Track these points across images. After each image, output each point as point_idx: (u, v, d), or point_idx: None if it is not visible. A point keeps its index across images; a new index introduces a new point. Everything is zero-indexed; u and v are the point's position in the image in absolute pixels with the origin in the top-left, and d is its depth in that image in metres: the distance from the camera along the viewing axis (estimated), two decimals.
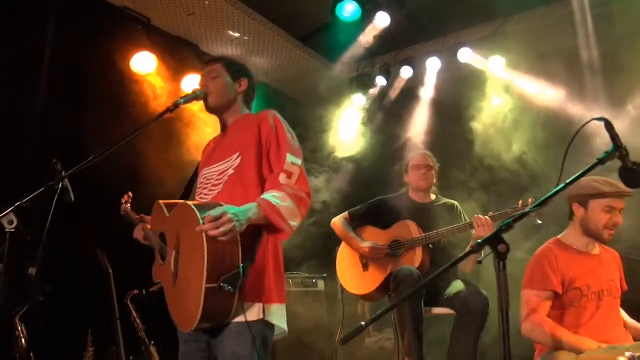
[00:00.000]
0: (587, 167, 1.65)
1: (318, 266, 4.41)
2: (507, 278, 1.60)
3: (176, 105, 2.11)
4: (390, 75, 5.02)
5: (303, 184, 1.97)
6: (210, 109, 2.20)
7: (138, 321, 3.75)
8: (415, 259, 3.12)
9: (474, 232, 3.02)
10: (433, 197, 3.46)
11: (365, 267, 3.35)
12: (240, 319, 1.84)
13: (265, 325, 1.92)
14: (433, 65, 4.76)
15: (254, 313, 1.88)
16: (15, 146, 3.37)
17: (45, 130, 3.60)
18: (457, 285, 3.08)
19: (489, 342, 2.98)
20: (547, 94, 4.04)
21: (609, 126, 1.62)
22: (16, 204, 1.93)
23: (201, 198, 2.12)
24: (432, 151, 3.61)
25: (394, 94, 5.08)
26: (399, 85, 5.02)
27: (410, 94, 4.95)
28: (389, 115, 5.12)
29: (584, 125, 1.67)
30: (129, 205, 2.69)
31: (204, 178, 2.15)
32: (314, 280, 4.34)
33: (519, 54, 4.30)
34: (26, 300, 2.58)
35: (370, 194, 3.67)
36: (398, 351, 3.10)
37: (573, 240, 2.47)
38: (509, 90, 4.37)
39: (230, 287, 1.72)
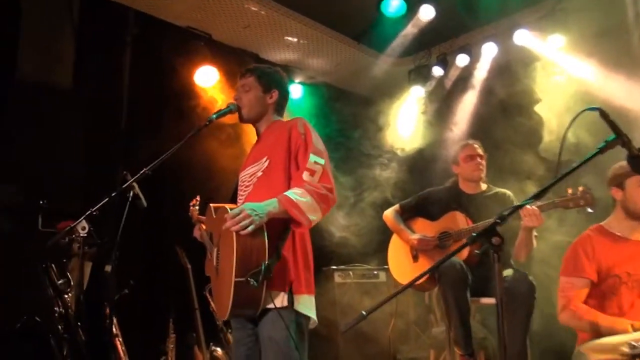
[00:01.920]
0: (586, 157, 1.66)
1: (379, 258, 4.54)
2: (501, 269, 1.68)
3: (210, 121, 2.38)
4: (448, 64, 4.98)
5: (325, 180, 2.14)
6: (243, 120, 2.44)
7: (216, 310, 4.12)
8: (462, 251, 3.15)
9: (521, 222, 3.00)
10: (484, 186, 3.45)
11: (415, 258, 3.44)
12: (273, 307, 2.06)
13: (297, 313, 2.12)
14: (489, 51, 4.65)
15: (283, 302, 2.09)
16: (102, 161, 3.86)
17: (129, 147, 4.07)
18: (505, 273, 3.07)
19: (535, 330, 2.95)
20: (609, 76, 3.80)
21: (604, 115, 1.62)
22: (87, 213, 2.31)
23: (239, 199, 2.39)
24: (486, 139, 3.59)
25: (449, 83, 5.03)
26: (455, 73, 4.97)
27: (466, 81, 4.88)
28: (446, 105, 5.08)
29: (578, 115, 1.68)
30: (196, 207, 3.03)
31: (240, 181, 2.42)
32: (375, 272, 4.48)
33: (580, 31, 4.08)
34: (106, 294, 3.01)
35: (433, 186, 3.72)
36: (449, 341, 3.17)
37: (615, 225, 2.40)
38: (568, 71, 4.16)
39: (254, 282, 1.95)
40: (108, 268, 2.62)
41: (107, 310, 3.50)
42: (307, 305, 2.16)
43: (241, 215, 1.96)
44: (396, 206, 3.66)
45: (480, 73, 4.64)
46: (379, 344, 4.20)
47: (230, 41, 4.81)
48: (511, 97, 4.24)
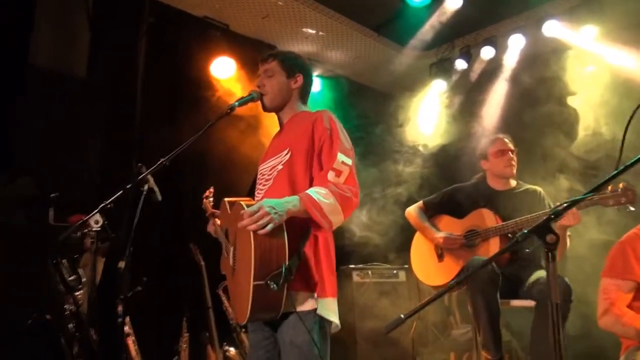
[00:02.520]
0: None
1: (400, 257, 4.39)
2: (554, 270, 1.53)
3: (232, 109, 2.23)
4: (471, 57, 4.81)
5: (351, 182, 2.00)
6: (266, 109, 2.30)
7: (229, 309, 4.01)
8: (490, 250, 3.00)
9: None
10: (513, 183, 3.28)
11: (440, 257, 3.29)
12: (292, 309, 1.93)
13: (320, 317, 1.98)
14: (516, 43, 4.47)
15: (305, 305, 1.95)
16: (117, 153, 3.76)
17: (145, 138, 3.97)
18: (538, 274, 2.91)
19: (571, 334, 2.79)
20: None
21: None
22: (100, 206, 2.18)
23: (257, 193, 2.25)
24: (516, 134, 3.42)
25: (474, 76, 4.85)
26: (479, 67, 4.79)
27: (492, 74, 4.70)
28: (471, 99, 4.91)
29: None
30: (210, 200, 2.91)
31: (260, 174, 2.27)
32: (395, 272, 4.33)
33: (616, 22, 3.89)
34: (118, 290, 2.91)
35: (457, 180, 3.57)
36: (476, 344, 3.01)
37: None
38: (603, 64, 3.96)
39: (274, 285, 1.80)
40: (121, 264, 2.51)
41: (120, 309, 3.42)
42: (330, 308, 2.03)
43: (259, 213, 1.82)
44: (419, 203, 3.51)
45: (508, 65, 4.45)
46: (399, 346, 4.05)
47: (247, 32, 4.69)
48: (542, 90, 4.05)
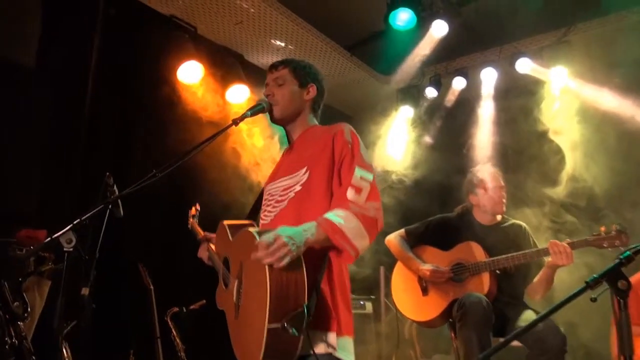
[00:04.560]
0: None
1: (365, 287, 4.25)
2: (625, 319, 1.44)
3: (242, 118, 2.00)
4: (442, 86, 4.86)
5: (374, 198, 1.82)
6: (275, 120, 2.09)
7: (178, 340, 3.67)
8: (482, 285, 2.93)
9: (548, 259, 2.83)
10: (499, 217, 3.26)
11: (424, 291, 3.17)
12: (308, 352, 1.70)
13: (337, 359, 1.77)
14: (488, 76, 4.58)
15: (320, 347, 1.74)
16: (63, 157, 3.33)
17: (93, 140, 3.57)
18: (529, 317, 2.88)
19: None
20: (618, 109, 3.81)
21: None
22: (74, 222, 1.83)
23: (265, 215, 2.02)
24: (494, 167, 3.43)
25: (446, 105, 4.91)
26: (451, 96, 4.85)
27: (464, 105, 4.78)
28: (441, 128, 4.96)
29: None
30: (196, 220, 2.60)
31: (268, 194, 2.05)
32: (362, 302, 4.17)
33: (585, 64, 4.09)
34: (77, 321, 2.51)
35: (424, 210, 3.51)
36: None
37: None
38: (573, 103, 4.15)
39: (294, 330, 1.56)
40: (85, 291, 2.16)
41: (62, 341, 2.96)
42: (347, 349, 1.82)
43: (276, 245, 1.59)
44: (401, 231, 3.40)
45: (483, 98, 4.55)
46: None
47: (215, 37, 4.43)
48: (518, 124, 4.15)
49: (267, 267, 1.59)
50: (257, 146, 4.25)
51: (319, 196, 1.88)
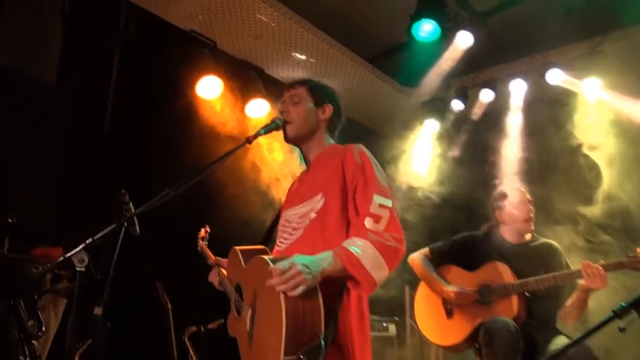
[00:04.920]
0: None
1: (389, 309, 4.19)
2: None
3: (256, 136, 2.01)
4: (468, 98, 4.82)
5: (394, 228, 1.79)
6: (289, 139, 2.10)
7: None
8: (511, 309, 2.86)
9: (580, 281, 2.74)
10: (528, 236, 3.18)
11: (449, 313, 3.11)
12: None
13: None
14: (517, 88, 4.52)
15: None
16: (81, 174, 3.41)
17: (112, 157, 3.65)
18: (561, 343, 2.78)
19: None
20: None
21: None
22: (87, 241, 1.86)
23: (280, 242, 2.02)
24: (523, 182, 3.37)
25: (473, 118, 4.85)
26: (479, 109, 4.80)
27: (491, 118, 4.71)
28: (468, 142, 4.90)
29: None
30: (206, 242, 2.62)
31: (285, 220, 2.04)
32: (385, 324, 4.11)
33: (620, 75, 4.00)
34: (91, 341, 2.54)
35: (450, 228, 3.46)
36: None
37: None
38: (607, 116, 4.05)
39: None
40: (98, 311, 2.18)
41: None
42: None
43: (291, 272, 1.58)
44: (425, 250, 3.35)
45: (512, 110, 4.48)
46: None
47: (235, 52, 4.49)
48: (550, 138, 4.07)
49: (282, 296, 1.58)
50: (277, 161, 4.28)
51: (333, 224, 1.86)
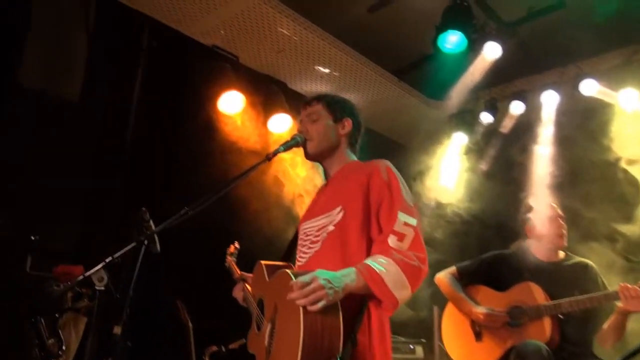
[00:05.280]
0: None
1: (416, 330, 4.15)
2: None
3: (275, 154, 2.05)
4: (498, 110, 4.77)
5: (418, 248, 1.80)
6: (309, 156, 2.13)
7: None
8: (543, 332, 2.80)
9: (618, 303, 2.68)
10: (562, 254, 3.13)
11: (478, 336, 3.07)
12: None
13: None
14: (549, 99, 4.46)
15: None
16: (104, 191, 3.49)
17: (133, 172, 3.73)
18: None
19: None
20: None
21: None
22: (107, 260, 1.92)
23: (300, 256, 2.03)
24: (557, 198, 3.31)
25: (503, 131, 4.80)
26: (509, 122, 4.75)
27: (522, 131, 4.65)
28: (498, 156, 4.84)
29: None
30: (234, 258, 2.66)
31: (304, 234, 2.06)
32: (412, 347, 4.07)
33: None
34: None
35: (479, 247, 3.42)
36: None
37: None
38: None
39: None
40: (117, 330, 2.23)
41: None
42: None
43: (312, 286, 1.60)
44: (452, 269, 3.33)
45: (544, 123, 4.41)
46: None
47: (257, 66, 4.57)
48: (585, 152, 3.99)
49: (301, 311, 1.60)
50: (300, 176, 4.31)
51: (352, 239, 1.87)
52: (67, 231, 3.14)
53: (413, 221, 1.83)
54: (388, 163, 2.01)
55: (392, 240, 1.78)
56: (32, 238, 2.67)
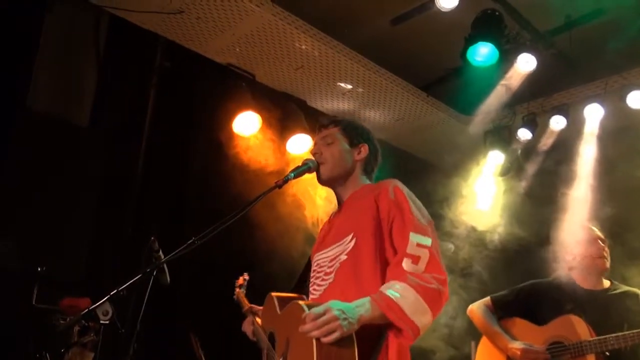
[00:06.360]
0: None
1: None
2: None
3: (285, 181, 2.11)
4: (537, 126, 4.76)
5: (435, 269, 1.82)
6: (322, 181, 2.18)
7: None
8: None
9: None
10: (607, 283, 3.09)
11: None
12: None
13: None
14: (593, 113, 4.43)
15: None
16: (113, 219, 3.61)
17: (143, 199, 3.84)
18: None
19: None
20: None
21: None
22: (112, 292, 1.99)
23: (313, 289, 2.07)
24: (601, 220, 3.28)
25: (543, 148, 4.78)
26: (549, 138, 4.73)
27: (564, 148, 4.62)
28: (537, 175, 4.81)
29: None
30: (243, 290, 2.71)
31: (316, 265, 2.10)
32: None
33: None
34: None
35: (517, 276, 3.39)
36: None
37: None
38: None
39: None
40: None
41: None
42: None
43: (325, 318, 1.64)
44: (486, 299, 3.32)
45: (586, 139, 4.38)
46: None
47: (275, 84, 4.68)
48: (634, 169, 3.93)
49: (315, 344, 1.63)
50: (322, 197, 4.34)
51: (366, 266, 1.91)
52: (74, 261, 3.26)
53: (427, 241, 1.86)
54: (397, 182, 2.05)
55: (406, 264, 1.81)
56: (39, 269, 2.78)
